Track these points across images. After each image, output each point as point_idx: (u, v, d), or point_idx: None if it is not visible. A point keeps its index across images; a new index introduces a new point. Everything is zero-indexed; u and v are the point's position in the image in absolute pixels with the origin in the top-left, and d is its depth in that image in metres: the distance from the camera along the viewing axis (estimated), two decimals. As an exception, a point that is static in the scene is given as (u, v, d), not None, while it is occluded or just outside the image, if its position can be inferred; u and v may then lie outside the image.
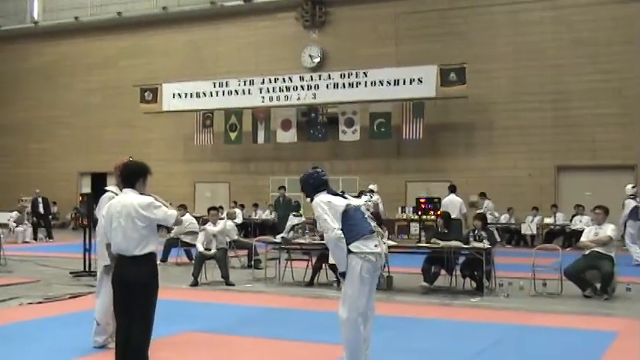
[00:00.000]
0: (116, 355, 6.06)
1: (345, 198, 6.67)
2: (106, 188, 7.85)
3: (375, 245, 6.47)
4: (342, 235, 6.34)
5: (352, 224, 6.44)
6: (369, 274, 6.43)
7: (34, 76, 34.03)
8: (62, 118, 33.07)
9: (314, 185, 6.77)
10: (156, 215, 6.00)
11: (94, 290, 11.89)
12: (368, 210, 6.82)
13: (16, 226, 23.70)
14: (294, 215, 20.67)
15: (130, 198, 6.06)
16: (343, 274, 6.44)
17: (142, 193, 6.20)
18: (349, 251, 6.39)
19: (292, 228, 20.60)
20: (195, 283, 13.16)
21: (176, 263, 16.69)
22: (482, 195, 24.11)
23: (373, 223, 6.65)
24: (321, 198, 6.55)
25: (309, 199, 6.78)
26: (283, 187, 23.32)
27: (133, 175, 6.24)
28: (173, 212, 6.08)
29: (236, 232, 16.48)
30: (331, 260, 12.55)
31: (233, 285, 13.13)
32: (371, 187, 19.67)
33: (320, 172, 6.89)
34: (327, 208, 6.44)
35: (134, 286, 5.90)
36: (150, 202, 6.01)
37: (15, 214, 24.01)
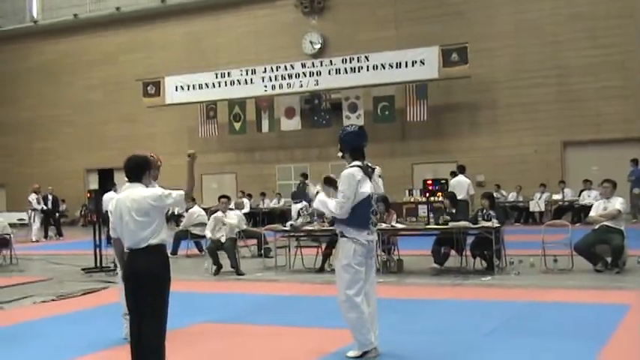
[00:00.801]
0: (131, 350, 6.05)
1: (371, 176, 6.74)
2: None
3: (368, 234, 6.65)
4: (345, 208, 6.54)
5: (358, 213, 6.57)
6: (362, 256, 6.61)
7: (35, 75, 34.09)
8: (65, 116, 33.16)
9: (351, 146, 6.84)
10: (169, 202, 6.01)
11: (106, 286, 12.00)
12: (377, 201, 6.87)
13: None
14: (294, 203, 20.76)
15: (139, 192, 6.01)
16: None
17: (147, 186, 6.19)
18: (342, 235, 6.63)
19: (298, 214, 20.72)
20: (218, 269, 13.29)
21: (186, 255, 16.74)
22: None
23: (374, 218, 6.77)
24: (354, 173, 6.63)
25: (340, 155, 6.86)
26: (304, 175, 23.34)
27: (139, 169, 6.18)
28: (180, 192, 6.06)
29: (244, 221, 16.49)
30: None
31: (243, 274, 13.19)
32: (376, 171, 19.53)
33: (362, 133, 6.94)
34: (354, 187, 6.56)
35: (146, 277, 5.85)
36: (160, 193, 5.98)
37: (33, 196, 23.89)
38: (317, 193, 6.87)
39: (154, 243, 5.89)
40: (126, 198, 6.04)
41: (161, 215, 6.05)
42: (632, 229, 13.22)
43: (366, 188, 6.62)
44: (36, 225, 23.88)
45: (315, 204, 6.86)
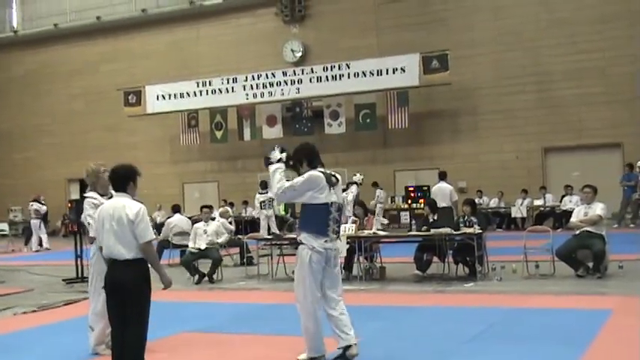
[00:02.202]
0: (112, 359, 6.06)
1: (334, 185, 6.74)
2: (86, 195, 7.79)
3: (325, 241, 6.64)
4: (285, 195, 6.67)
5: (314, 219, 6.63)
6: (319, 263, 6.62)
7: (15, 85, 33.92)
8: (46, 126, 33.01)
9: (307, 155, 6.86)
10: (137, 226, 5.93)
11: (87, 296, 11.91)
12: (338, 210, 6.83)
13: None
14: (259, 194, 20.79)
15: (122, 202, 6.04)
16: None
17: (133, 198, 6.20)
18: (300, 242, 6.67)
19: (260, 205, 20.73)
20: (200, 278, 13.32)
21: (169, 264, 16.63)
22: (375, 184, 24.28)
23: (334, 226, 6.74)
24: (318, 176, 6.65)
25: (301, 167, 6.83)
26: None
27: (123, 179, 6.19)
28: (152, 235, 6.02)
29: (228, 230, 16.46)
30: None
31: (213, 282, 13.33)
32: (354, 178, 19.48)
33: (312, 146, 7.01)
34: (306, 188, 6.61)
35: (126, 289, 5.88)
36: (137, 211, 5.96)
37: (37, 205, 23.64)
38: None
39: (132, 257, 5.90)
40: (109, 207, 6.10)
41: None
42: (615, 235, 13.30)
43: (324, 196, 6.63)
44: (42, 232, 23.64)
45: (271, 172, 6.81)
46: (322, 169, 6.77)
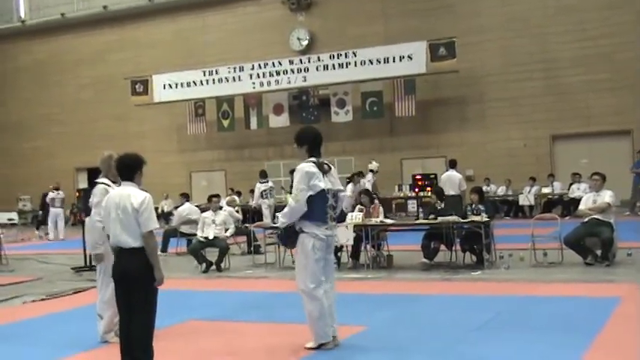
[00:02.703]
0: (121, 348, 6.09)
1: (327, 173, 6.85)
2: (97, 180, 7.85)
3: (326, 228, 6.81)
4: (302, 200, 6.68)
5: (314, 207, 6.72)
6: (321, 250, 6.77)
7: (23, 75, 33.97)
8: (54, 116, 33.06)
9: (310, 142, 6.99)
10: (140, 215, 5.96)
11: (96, 285, 11.96)
12: (334, 196, 6.94)
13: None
14: (260, 183, 20.81)
15: (128, 191, 6.08)
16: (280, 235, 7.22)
17: (139, 187, 6.24)
18: (301, 230, 6.77)
19: (261, 194, 20.80)
20: (208, 266, 13.35)
21: (176, 253, 16.70)
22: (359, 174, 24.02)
23: (331, 212, 6.87)
24: (309, 167, 6.76)
25: (296, 147, 7.04)
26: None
27: (130, 168, 6.23)
28: (155, 224, 6.02)
29: (235, 219, 16.48)
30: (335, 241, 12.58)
31: (221, 271, 13.35)
32: (370, 166, 19.51)
33: (319, 134, 7.13)
34: (307, 180, 6.71)
35: (133, 278, 5.93)
36: (142, 200, 6.00)
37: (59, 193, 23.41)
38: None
39: (137, 246, 5.95)
40: (116, 195, 6.16)
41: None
42: (624, 222, 13.27)
43: (320, 182, 6.74)
44: (62, 222, 23.47)
45: (288, 212, 6.88)
46: (314, 159, 6.85)
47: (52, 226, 23.33)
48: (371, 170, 19.21)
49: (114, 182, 7.56)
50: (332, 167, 7.02)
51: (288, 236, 6.96)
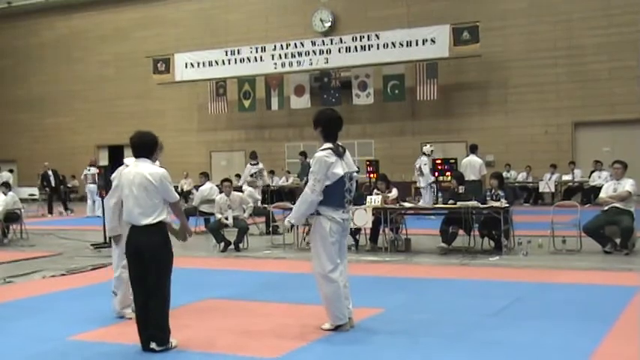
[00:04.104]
0: (137, 325, 6.15)
1: (343, 157, 6.85)
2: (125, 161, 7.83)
3: (343, 212, 6.84)
4: (317, 191, 6.66)
5: (332, 193, 6.73)
6: (338, 233, 6.80)
7: (47, 51, 34.12)
8: (77, 92, 33.22)
9: (323, 124, 6.95)
10: (163, 187, 6.08)
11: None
12: (351, 180, 6.94)
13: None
14: (251, 165, 20.75)
15: (143, 168, 6.13)
16: (292, 226, 7.28)
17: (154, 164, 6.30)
18: (318, 213, 6.77)
19: (251, 176, 20.74)
20: (226, 246, 13.39)
21: (194, 232, 16.72)
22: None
23: (348, 197, 6.90)
24: (328, 157, 6.73)
25: (316, 130, 6.98)
26: (304, 153, 23.14)
27: (146, 146, 6.29)
28: (177, 196, 6.22)
29: (254, 199, 16.52)
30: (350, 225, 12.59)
31: (239, 250, 13.41)
32: (424, 149, 19.58)
33: (337, 115, 7.07)
34: (325, 170, 6.68)
35: (147, 255, 5.99)
36: (162, 173, 6.11)
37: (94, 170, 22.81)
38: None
39: (155, 222, 6.00)
40: (130, 172, 6.19)
41: (159, 196, 6.11)
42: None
43: (339, 169, 6.75)
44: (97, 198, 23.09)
45: (302, 204, 6.86)
46: (331, 145, 6.82)
47: (90, 202, 23.09)
48: (424, 153, 19.32)
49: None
50: (345, 149, 6.99)
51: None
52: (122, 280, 7.48)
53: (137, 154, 6.28)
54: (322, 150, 6.81)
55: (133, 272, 6.15)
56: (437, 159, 20.37)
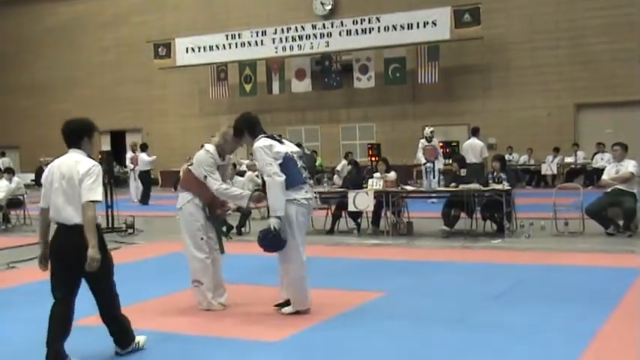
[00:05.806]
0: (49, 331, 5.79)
1: (283, 143, 6.88)
2: (208, 148, 7.71)
3: (306, 192, 6.82)
4: (279, 174, 6.59)
5: (288, 174, 6.69)
6: (304, 217, 6.88)
7: (49, 36, 34.04)
8: (79, 78, 33.19)
9: (249, 127, 6.95)
10: (82, 183, 5.34)
11: (118, 247, 12.06)
12: (300, 158, 6.95)
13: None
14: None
15: (74, 158, 5.50)
16: (279, 218, 6.63)
17: (89, 155, 5.66)
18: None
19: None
20: (228, 230, 13.39)
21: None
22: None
23: (305, 173, 6.91)
24: (263, 142, 6.74)
25: (242, 137, 7.02)
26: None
27: (76, 134, 5.64)
28: (98, 196, 5.36)
29: (255, 183, 16.50)
30: (351, 207, 12.61)
31: (241, 234, 13.47)
32: (425, 132, 19.62)
33: (252, 115, 7.15)
34: (269, 152, 6.66)
35: (74, 258, 5.39)
36: (89, 167, 5.41)
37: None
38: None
39: (81, 222, 5.34)
40: (62, 163, 5.54)
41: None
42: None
43: (280, 148, 6.75)
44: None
45: (274, 194, 6.69)
46: (263, 134, 6.87)
47: (132, 189, 22.88)
48: (425, 137, 19.26)
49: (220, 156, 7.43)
50: (281, 135, 7.07)
51: (281, 239, 6.73)
52: (207, 267, 7.25)
53: (68, 144, 5.64)
54: (257, 139, 6.80)
55: (56, 274, 5.74)
56: (439, 142, 20.36)
